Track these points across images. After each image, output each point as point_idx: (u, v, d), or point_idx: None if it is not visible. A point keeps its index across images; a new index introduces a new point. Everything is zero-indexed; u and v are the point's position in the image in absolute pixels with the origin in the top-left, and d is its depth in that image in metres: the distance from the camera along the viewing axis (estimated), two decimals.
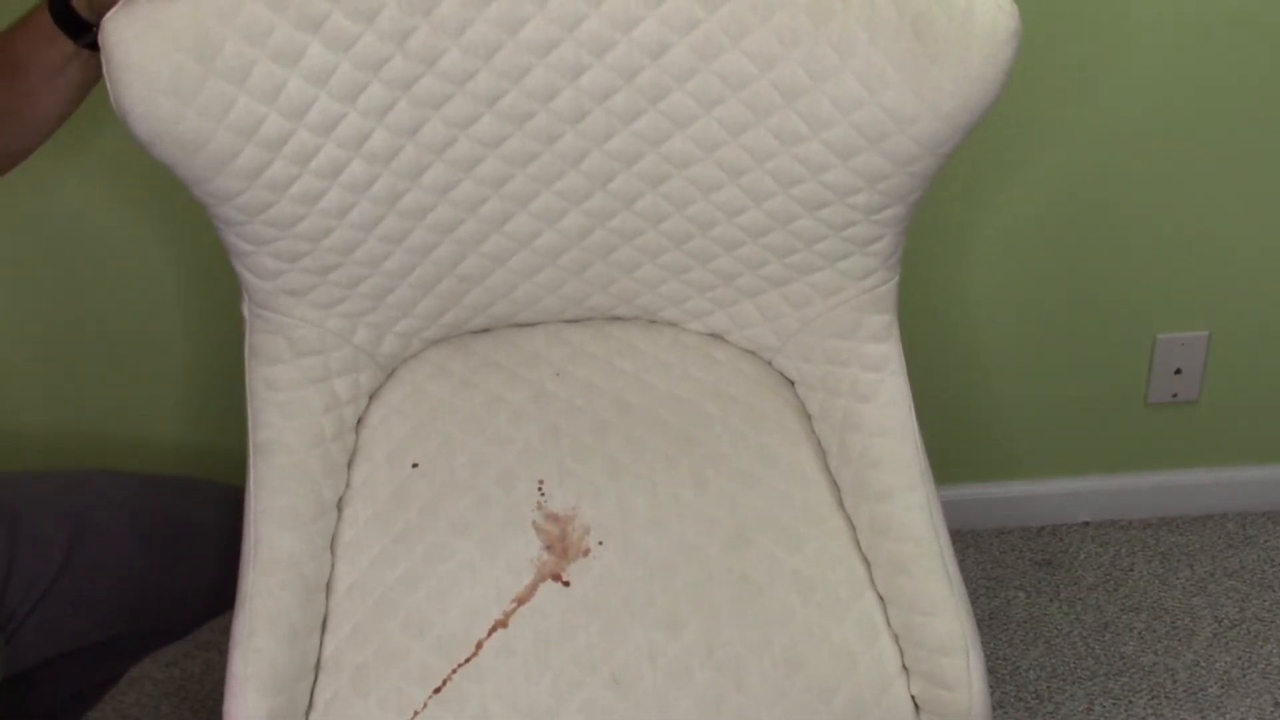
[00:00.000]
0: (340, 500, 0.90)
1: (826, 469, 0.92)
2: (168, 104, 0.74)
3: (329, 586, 0.86)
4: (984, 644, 1.30)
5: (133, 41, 0.73)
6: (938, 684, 0.81)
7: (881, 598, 0.85)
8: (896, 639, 0.83)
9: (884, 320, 0.92)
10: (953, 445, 1.35)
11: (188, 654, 1.30)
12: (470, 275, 0.94)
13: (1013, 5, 0.76)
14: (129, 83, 0.73)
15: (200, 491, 1.00)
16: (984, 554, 1.40)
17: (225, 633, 1.30)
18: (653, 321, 1.00)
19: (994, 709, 1.25)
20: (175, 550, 0.96)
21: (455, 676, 0.80)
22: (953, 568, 0.84)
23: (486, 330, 1.00)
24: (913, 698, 0.82)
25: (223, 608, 1.00)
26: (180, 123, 0.75)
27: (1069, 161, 1.21)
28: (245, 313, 0.91)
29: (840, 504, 0.90)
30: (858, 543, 0.88)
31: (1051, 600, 1.34)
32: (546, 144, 0.87)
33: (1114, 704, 1.24)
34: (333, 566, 0.86)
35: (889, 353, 0.92)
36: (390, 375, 0.97)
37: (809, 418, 0.95)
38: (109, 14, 0.73)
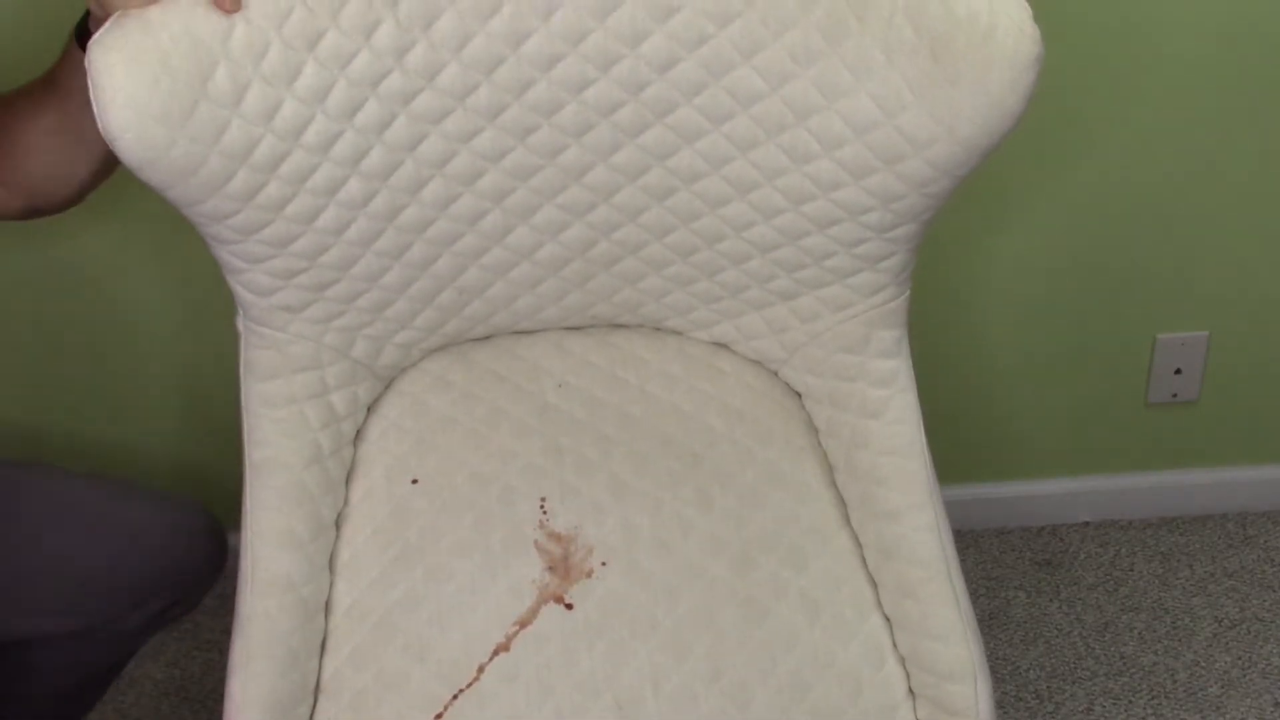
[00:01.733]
0: (339, 517, 0.88)
1: (833, 484, 0.91)
2: (158, 130, 0.71)
3: (328, 606, 0.84)
4: (984, 644, 1.30)
5: (120, 66, 0.70)
6: (945, 710, 0.81)
7: (888, 619, 0.84)
8: (903, 662, 0.83)
9: (893, 335, 0.90)
10: (953, 445, 1.35)
11: (187, 654, 1.30)
12: (470, 287, 0.92)
13: (1035, 29, 0.73)
14: (118, 109, 0.70)
15: (152, 497, 1.00)
16: (984, 554, 1.39)
17: (226, 633, 1.30)
18: (657, 330, 0.98)
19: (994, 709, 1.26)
20: (118, 544, 0.96)
21: (456, 702, 0.79)
22: (961, 591, 0.84)
23: (487, 338, 0.98)
24: None
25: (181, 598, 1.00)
26: (172, 149, 0.73)
27: (1069, 165, 1.20)
28: (240, 328, 0.89)
29: (847, 520, 0.89)
30: (864, 562, 0.87)
31: (1051, 600, 1.34)
32: (549, 157, 0.85)
33: (1114, 704, 1.25)
34: (332, 585, 0.85)
35: (898, 368, 0.90)
36: (389, 386, 0.95)
37: (816, 431, 0.94)
38: (94, 37, 0.70)
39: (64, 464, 1.28)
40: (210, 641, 1.31)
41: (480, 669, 0.80)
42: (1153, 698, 1.25)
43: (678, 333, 0.98)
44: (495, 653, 0.81)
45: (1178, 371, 1.33)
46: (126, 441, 1.28)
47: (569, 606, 0.82)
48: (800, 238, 0.87)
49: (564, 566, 0.84)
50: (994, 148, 0.77)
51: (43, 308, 1.21)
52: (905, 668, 0.83)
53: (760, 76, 0.80)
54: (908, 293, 0.90)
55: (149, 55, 0.71)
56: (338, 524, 0.88)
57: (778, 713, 0.80)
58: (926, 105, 0.76)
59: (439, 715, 0.79)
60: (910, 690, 0.82)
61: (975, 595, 1.35)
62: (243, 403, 0.88)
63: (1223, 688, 1.25)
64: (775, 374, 0.97)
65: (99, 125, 0.70)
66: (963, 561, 1.37)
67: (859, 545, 0.87)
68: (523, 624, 0.82)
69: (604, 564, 0.84)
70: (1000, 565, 1.38)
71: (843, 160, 0.81)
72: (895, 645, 0.83)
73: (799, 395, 0.96)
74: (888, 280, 0.88)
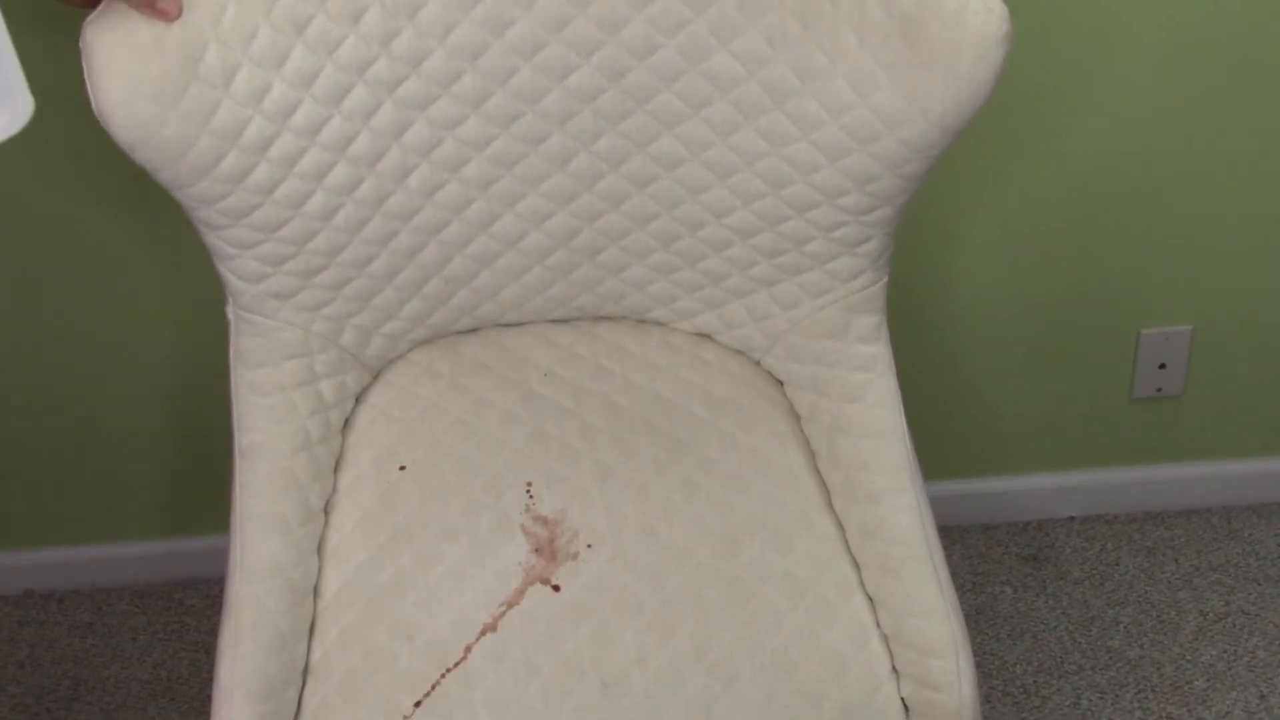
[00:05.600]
0: (327, 504, 0.89)
1: (816, 470, 0.92)
2: (150, 109, 0.73)
3: (316, 591, 0.85)
4: (971, 639, 1.31)
5: (114, 46, 0.72)
6: (928, 686, 0.81)
7: (871, 600, 0.85)
8: (886, 641, 0.84)
9: (873, 321, 0.92)
10: (939, 441, 1.36)
11: (174, 654, 1.30)
12: (457, 277, 0.93)
13: (1003, 8, 0.75)
14: (110, 88, 0.72)
15: None
16: (970, 549, 1.40)
17: (213, 634, 1.30)
18: (640, 321, 1.00)
19: (981, 704, 1.26)
20: None
21: (444, 682, 0.80)
22: (942, 570, 0.85)
23: (473, 331, 0.99)
24: (903, 700, 0.83)
25: None
26: (163, 128, 0.74)
27: (1053, 158, 1.21)
28: (230, 316, 0.90)
29: (830, 506, 0.90)
30: (847, 545, 0.88)
31: (1038, 595, 1.35)
32: (533, 145, 0.87)
33: (1101, 698, 1.25)
34: (320, 570, 0.86)
35: (878, 354, 0.91)
36: (377, 377, 0.96)
37: (798, 418, 0.95)
38: (89, 18, 0.72)
39: (54, 454, 1.28)
40: (197, 642, 1.31)
41: (468, 649, 0.81)
42: (1139, 691, 1.25)
43: (661, 324, 1.00)
44: (483, 633, 0.82)
45: (1162, 366, 1.34)
46: (116, 433, 1.29)
47: (556, 588, 0.83)
48: (779, 223, 0.89)
49: (550, 549, 0.85)
50: (965, 127, 0.78)
51: (33, 299, 1.21)
52: (888, 646, 0.83)
53: (738, 61, 0.82)
54: (886, 278, 0.92)
55: (142, 36, 0.73)
56: (326, 511, 0.89)
57: (763, 691, 0.80)
58: (899, 86, 0.78)
59: (427, 694, 0.80)
60: (894, 668, 0.83)
61: (962, 591, 1.35)
62: (232, 390, 0.89)
63: (1209, 681, 1.26)
64: (757, 363, 0.99)
65: (92, 104, 0.72)
66: (949, 557, 1.39)
67: (841, 529, 0.88)
68: (510, 605, 0.83)
69: (590, 547, 0.85)
70: (987, 560, 1.39)
71: (819, 142, 0.83)
72: (878, 624, 0.84)
73: (781, 383, 0.98)
74: (866, 265, 0.90)
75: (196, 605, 1.34)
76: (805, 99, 0.82)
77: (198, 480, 1.31)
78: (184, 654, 1.30)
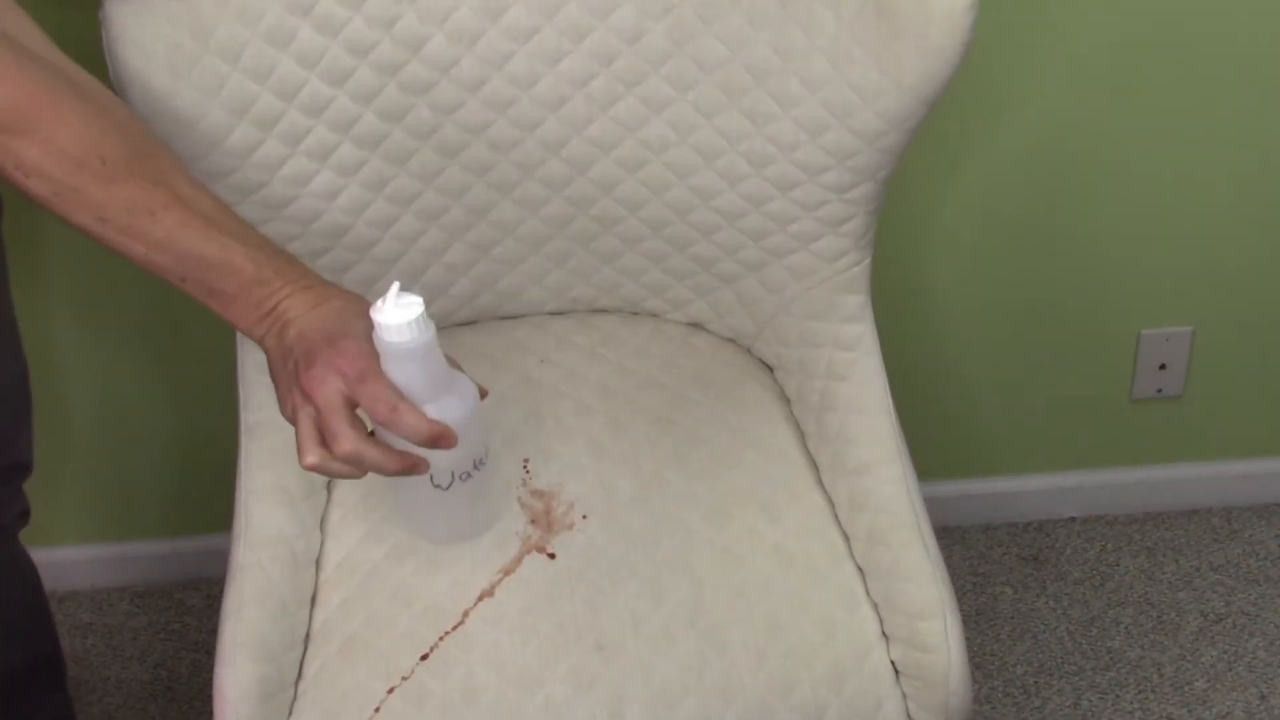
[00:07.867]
0: (330, 482, 0.92)
1: (805, 450, 0.94)
2: (164, 79, 0.77)
3: (318, 563, 0.87)
4: (971, 640, 1.31)
5: (131, 18, 0.76)
6: (917, 648, 0.83)
7: (860, 569, 0.87)
8: (876, 608, 0.85)
9: (858, 301, 0.94)
10: (939, 442, 1.36)
11: (175, 655, 1.31)
12: (456, 265, 0.97)
13: None
14: (127, 58, 0.76)
15: None
16: (971, 550, 1.41)
17: (213, 634, 1.31)
18: (634, 313, 1.03)
19: (981, 704, 1.26)
20: None
21: (443, 644, 0.82)
22: (929, 536, 0.86)
23: (473, 323, 1.02)
24: (892, 663, 0.84)
25: None
26: (175, 98, 0.78)
27: (1052, 158, 1.22)
28: None
29: (819, 482, 0.92)
30: (836, 518, 0.89)
31: (1038, 595, 1.35)
32: (528, 131, 0.90)
33: (1101, 698, 1.25)
34: (322, 544, 0.88)
35: (863, 333, 0.94)
36: None
37: (788, 402, 0.97)
38: None
39: (54, 454, 1.28)
40: (198, 642, 1.32)
41: (465, 613, 0.83)
42: (1139, 692, 1.25)
43: (655, 315, 1.03)
44: (480, 598, 0.84)
45: (1162, 367, 1.34)
46: (117, 433, 1.28)
47: (552, 556, 0.85)
48: (764, 203, 0.92)
49: (546, 520, 0.88)
50: (937, 97, 0.82)
51: (29, 297, 1.22)
52: (878, 613, 0.85)
53: (721, 42, 0.86)
54: (869, 259, 0.94)
55: (156, 9, 0.77)
56: (329, 488, 0.91)
57: (754, 653, 0.82)
58: (873, 58, 0.81)
59: (425, 655, 0.82)
60: (883, 632, 0.84)
61: (962, 591, 1.36)
62: (238, 368, 0.92)
63: (1209, 681, 1.26)
64: (748, 350, 1.01)
65: (110, 74, 0.76)
66: (949, 557, 1.39)
67: (830, 504, 0.90)
68: (507, 572, 0.85)
69: (584, 517, 0.87)
70: (987, 561, 1.39)
71: (800, 119, 0.86)
72: (868, 592, 0.86)
73: (771, 369, 1.00)
74: (849, 245, 0.93)
75: (196, 605, 1.35)
76: (785, 77, 0.85)
77: (198, 480, 1.31)
78: (184, 654, 1.31)
